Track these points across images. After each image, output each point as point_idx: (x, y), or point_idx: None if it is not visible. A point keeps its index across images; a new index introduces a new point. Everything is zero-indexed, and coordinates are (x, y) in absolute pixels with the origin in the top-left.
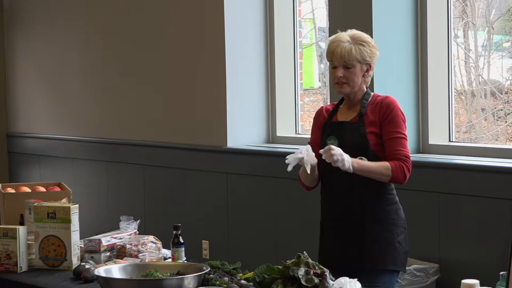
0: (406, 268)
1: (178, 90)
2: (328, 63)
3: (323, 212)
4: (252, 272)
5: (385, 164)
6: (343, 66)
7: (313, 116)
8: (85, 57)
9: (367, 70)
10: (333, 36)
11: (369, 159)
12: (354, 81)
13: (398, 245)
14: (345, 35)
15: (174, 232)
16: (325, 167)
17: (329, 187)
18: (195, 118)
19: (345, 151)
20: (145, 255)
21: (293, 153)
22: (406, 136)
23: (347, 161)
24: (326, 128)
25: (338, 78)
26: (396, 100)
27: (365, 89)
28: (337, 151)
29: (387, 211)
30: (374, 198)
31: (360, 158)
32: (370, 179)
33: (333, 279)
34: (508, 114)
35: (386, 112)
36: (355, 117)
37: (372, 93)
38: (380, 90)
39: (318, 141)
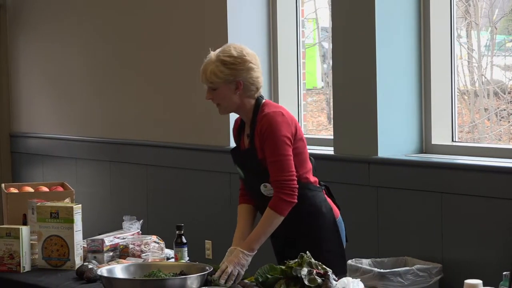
0: (409, 268)
1: (181, 90)
2: (330, 63)
3: None
4: (252, 277)
5: (267, 214)
6: (209, 88)
7: (316, 116)
8: (88, 57)
9: (238, 88)
10: None
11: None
12: (224, 102)
13: (326, 253)
14: (213, 54)
15: (177, 232)
16: (254, 194)
17: (260, 211)
18: (198, 118)
19: (250, 180)
20: (148, 255)
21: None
22: (283, 155)
23: (241, 264)
24: (232, 155)
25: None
26: (276, 114)
27: (253, 103)
28: (230, 270)
29: (309, 225)
30: (294, 217)
31: (264, 185)
32: None
33: (336, 279)
34: (511, 114)
35: (261, 137)
36: (249, 143)
37: (261, 105)
38: (383, 90)
39: None
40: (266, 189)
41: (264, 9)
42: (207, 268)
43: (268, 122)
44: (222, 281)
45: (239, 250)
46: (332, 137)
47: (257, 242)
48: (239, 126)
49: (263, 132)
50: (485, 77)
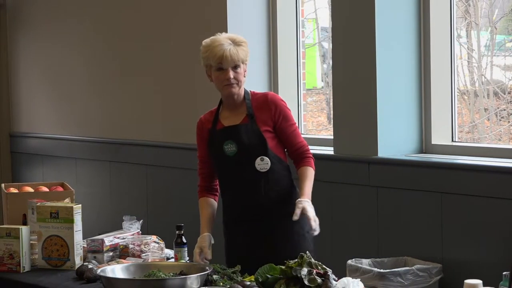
0: (409, 268)
1: (180, 90)
2: (330, 63)
3: (227, 213)
4: (252, 276)
5: (310, 172)
6: (232, 68)
7: (316, 116)
8: (87, 57)
9: (245, 70)
10: (209, 40)
11: (269, 157)
12: (242, 81)
13: (307, 234)
14: (223, 38)
15: (177, 232)
16: (225, 170)
17: (232, 190)
18: (198, 117)
19: (245, 154)
20: (148, 255)
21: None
22: (295, 123)
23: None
24: (216, 135)
25: (229, 80)
26: (274, 93)
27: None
28: (312, 215)
29: (293, 204)
30: (280, 195)
31: (261, 159)
32: (275, 180)
33: (336, 279)
34: (511, 114)
35: (276, 110)
36: (245, 119)
37: (249, 91)
38: (383, 90)
39: (205, 155)
40: (262, 162)
41: (264, 9)
42: (207, 268)
43: (276, 98)
44: (315, 232)
45: (306, 200)
46: (332, 137)
47: (310, 192)
48: (215, 117)
49: (277, 106)
50: (485, 77)
